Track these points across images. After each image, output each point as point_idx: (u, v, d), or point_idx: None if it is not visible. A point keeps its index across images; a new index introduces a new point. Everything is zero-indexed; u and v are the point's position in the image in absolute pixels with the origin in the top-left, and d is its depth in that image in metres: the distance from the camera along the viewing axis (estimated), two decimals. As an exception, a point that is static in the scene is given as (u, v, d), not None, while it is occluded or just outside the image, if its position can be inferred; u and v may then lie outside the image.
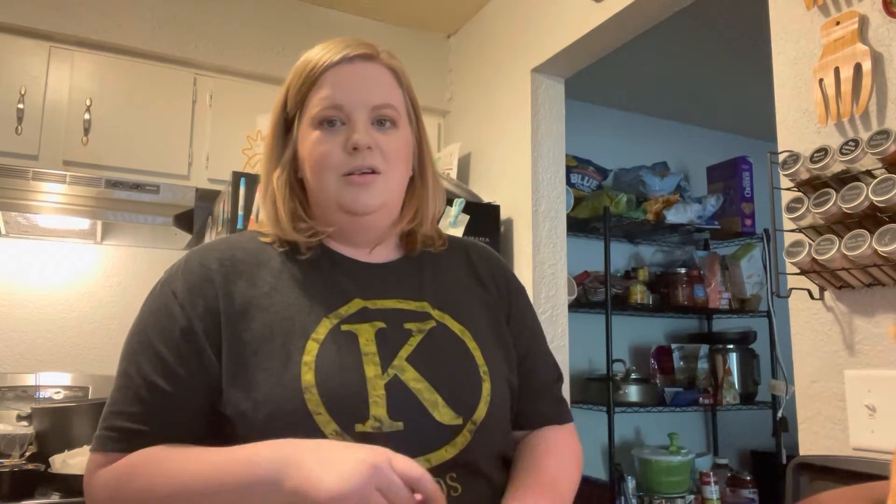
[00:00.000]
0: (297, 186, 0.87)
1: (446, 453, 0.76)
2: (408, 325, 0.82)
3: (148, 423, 0.75)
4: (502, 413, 0.84)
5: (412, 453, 0.73)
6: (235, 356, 0.76)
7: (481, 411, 0.80)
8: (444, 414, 0.77)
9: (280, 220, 0.85)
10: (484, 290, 0.93)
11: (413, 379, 0.78)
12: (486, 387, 0.82)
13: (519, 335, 0.93)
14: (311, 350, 0.76)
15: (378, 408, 0.75)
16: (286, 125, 0.88)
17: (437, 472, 0.75)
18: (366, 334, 0.79)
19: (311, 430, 0.72)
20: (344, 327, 0.79)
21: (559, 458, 0.87)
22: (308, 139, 0.83)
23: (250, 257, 0.84)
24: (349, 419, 0.73)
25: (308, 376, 0.74)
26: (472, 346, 0.84)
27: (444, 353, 0.82)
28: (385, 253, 0.90)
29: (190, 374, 0.76)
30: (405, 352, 0.80)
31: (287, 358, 0.76)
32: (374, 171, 0.82)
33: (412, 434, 0.75)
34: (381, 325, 0.81)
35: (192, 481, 0.69)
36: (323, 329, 0.78)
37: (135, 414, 0.76)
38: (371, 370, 0.77)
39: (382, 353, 0.78)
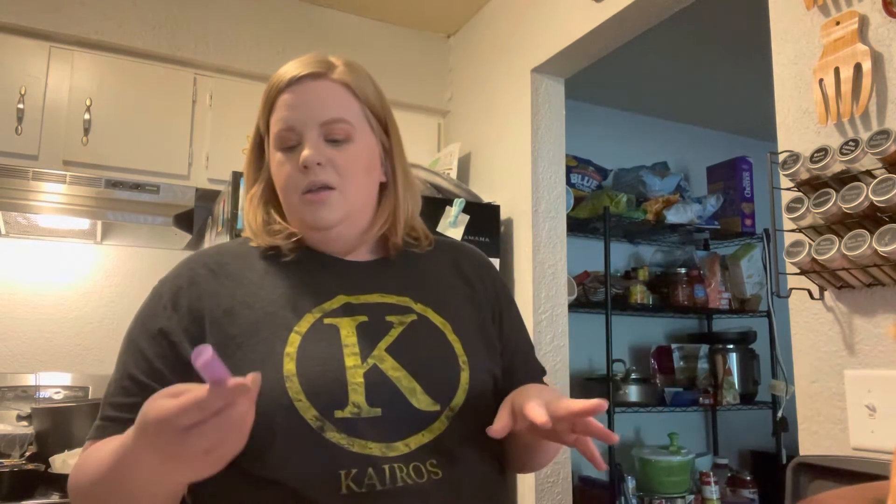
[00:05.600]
0: (275, 199, 0.92)
1: (423, 438, 0.79)
2: (389, 318, 0.86)
3: (132, 413, 0.78)
4: (482, 402, 0.85)
5: (390, 437, 0.78)
6: (221, 350, 0.78)
7: (459, 399, 0.82)
8: (421, 401, 0.80)
9: (255, 231, 0.90)
10: (469, 288, 0.95)
11: (391, 368, 0.81)
12: (465, 375, 0.84)
13: (508, 336, 0.96)
14: (294, 342, 0.80)
15: (357, 395, 0.78)
16: (261, 145, 0.93)
17: (416, 456, 0.78)
18: (347, 327, 0.83)
19: (291, 416, 0.75)
20: (326, 321, 0.83)
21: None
22: (273, 161, 0.88)
23: (238, 260, 0.89)
24: (328, 406, 0.77)
25: (290, 366, 0.78)
26: (451, 337, 0.87)
27: (423, 343, 0.85)
28: (363, 255, 0.93)
29: (168, 369, 0.80)
30: (385, 343, 0.83)
31: (270, 350, 0.79)
32: (328, 187, 0.85)
33: (390, 419, 0.78)
34: (363, 318, 0.84)
35: (99, 467, 0.73)
36: (305, 323, 0.82)
37: (121, 405, 0.80)
38: (351, 360, 0.80)
39: (363, 345, 0.82)
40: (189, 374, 0.73)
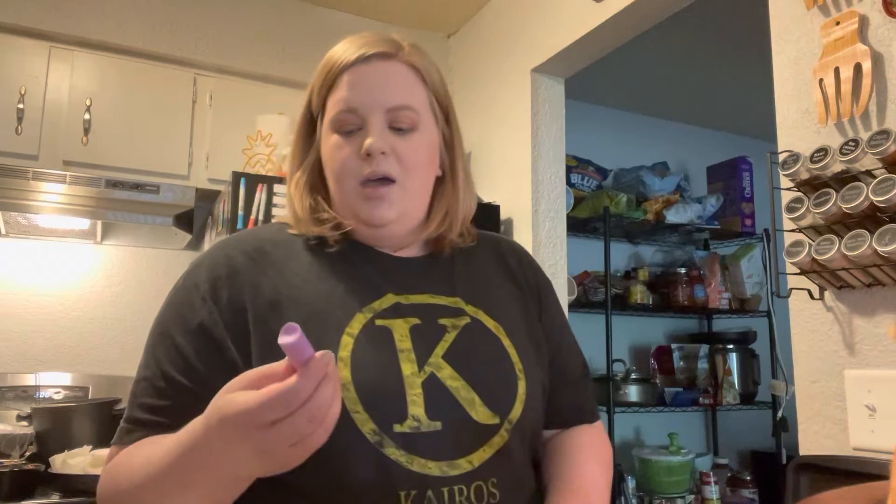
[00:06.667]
0: (321, 185, 0.86)
1: (485, 453, 0.74)
2: (442, 321, 0.80)
3: (168, 417, 0.72)
4: (536, 413, 0.82)
5: (452, 454, 0.72)
6: (267, 349, 0.73)
7: (517, 411, 0.78)
8: (481, 413, 0.75)
9: (300, 219, 0.84)
10: (515, 285, 0.91)
11: (449, 377, 0.76)
12: (522, 386, 0.80)
13: (549, 331, 0.91)
14: (346, 345, 0.74)
15: (416, 407, 0.72)
16: (311, 125, 0.86)
17: (479, 474, 0.73)
18: (400, 330, 0.77)
19: (348, 428, 0.69)
20: (378, 322, 0.77)
21: (595, 461, 0.85)
22: (328, 143, 0.82)
23: (279, 249, 0.82)
24: (387, 418, 0.71)
25: (344, 372, 0.72)
26: (506, 342, 0.82)
27: (479, 350, 0.80)
28: (412, 251, 0.88)
29: (209, 369, 0.73)
30: (441, 349, 0.78)
31: None
32: (388, 179, 0.79)
33: (450, 434, 0.73)
34: (416, 320, 0.79)
35: (151, 468, 0.66)
36: (357, 324, 0.76)
37: (153, 407, 0.73)
38: (407, 367, 0.74)
39: (418, 350, 0.76)
40: (232, 374, 0.65)
